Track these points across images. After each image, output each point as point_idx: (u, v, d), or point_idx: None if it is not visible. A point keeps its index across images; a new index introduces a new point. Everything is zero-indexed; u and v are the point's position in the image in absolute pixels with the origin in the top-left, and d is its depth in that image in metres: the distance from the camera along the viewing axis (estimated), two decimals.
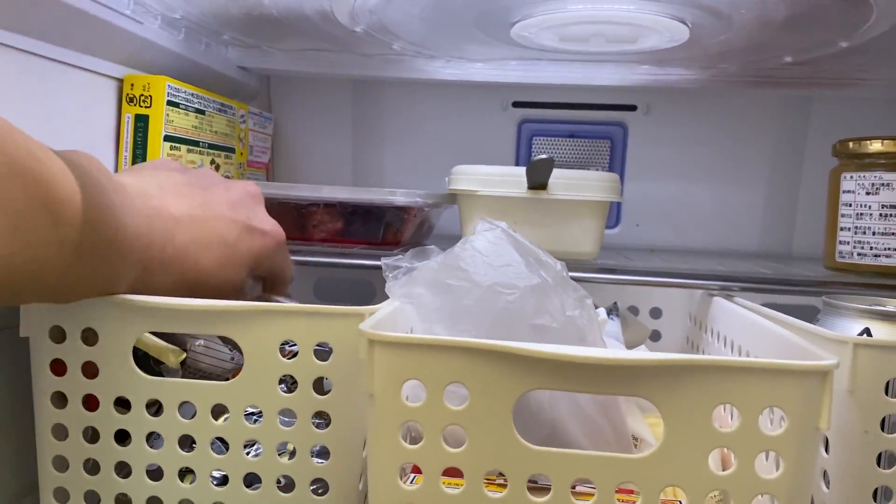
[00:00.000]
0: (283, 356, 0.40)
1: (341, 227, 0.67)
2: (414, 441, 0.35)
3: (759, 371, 0.32)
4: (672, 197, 0.87)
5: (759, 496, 0.33)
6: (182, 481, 0.42)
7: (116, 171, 0.63)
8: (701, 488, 0.33)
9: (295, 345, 0.40)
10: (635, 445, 0.46)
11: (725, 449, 0.34)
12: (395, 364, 0.34)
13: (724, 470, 0.33)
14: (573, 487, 0.35)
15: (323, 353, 0.40)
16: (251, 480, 0.42)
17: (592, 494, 0.34)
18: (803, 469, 0.33)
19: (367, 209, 0.65)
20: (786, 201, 0.86)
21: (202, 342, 0.46)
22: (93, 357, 0.41)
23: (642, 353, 0.32)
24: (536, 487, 0.34)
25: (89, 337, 0.41)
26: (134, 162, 0.61)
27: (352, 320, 0.39)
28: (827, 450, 0.42)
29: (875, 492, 0.41)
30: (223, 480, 0.42)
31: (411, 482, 0.35)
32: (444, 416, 0.34)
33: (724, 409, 0.47)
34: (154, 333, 0.44)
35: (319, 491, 0.41)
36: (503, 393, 0.33)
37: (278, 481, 0.41)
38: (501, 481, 0.34)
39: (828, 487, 0.42)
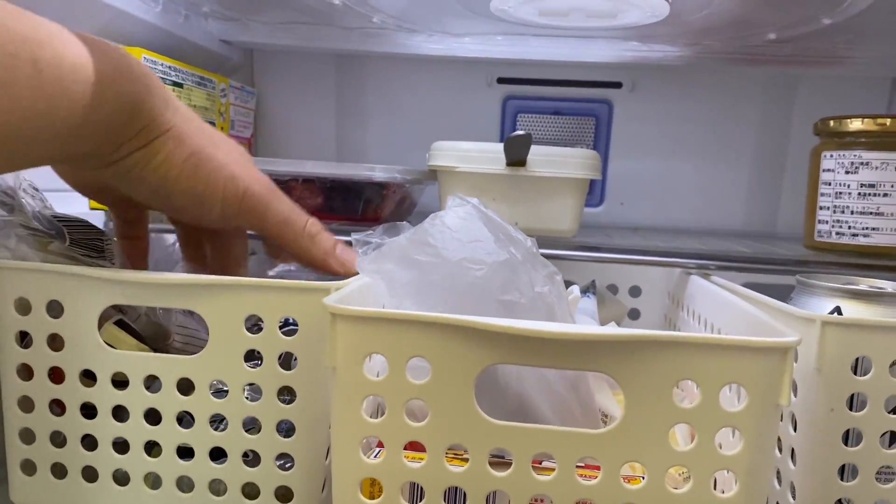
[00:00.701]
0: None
1: (321, 202, 0.67)
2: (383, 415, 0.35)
3: (720, 347, 0.32)
4: (657, 175, 0.87)
5: (722, 472, 0.33)
6: (148, 455, 0.42)
7: None
8: (661, 463, 0.33)
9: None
10: (604, 422, 0.46)
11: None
12: (357, 338, 0.34)
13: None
14: (539, 462, 0.35)
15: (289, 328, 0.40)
16: (217, 454, 0.42)
17: (554, 469, 0.34)
18: (763, 445, 0.33)
19: (347, 185, 0.65)
20: (770, 180, 0.85)
21: (181, 336, 0.46)
22: (58, 329, 0.41)
23: (602, 328, 0.32)
24: (499, 462, 0.34)
25: (55, 309, 0.41)
26: None
27: (317, 295, 0.39)
28: (795, 428, 0.42)
29: (842, 469, 0.41)
30: (189, 454, 0.42)
31: (375, 456, 0.35)
32: (407, 390, 0.34)
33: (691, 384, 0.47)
34: (133, 329, 0.44)
35: (286, 466, 0.41)
36: (464, 367, 0.33)
37: (245, 455, 0.41)
38: (464, 456, 0.34)
39: (795, 465, 0.42)
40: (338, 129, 0.90)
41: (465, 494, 0.34)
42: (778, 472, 0.44)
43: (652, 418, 0.33)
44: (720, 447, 0.33)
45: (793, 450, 0.42)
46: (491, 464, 0.34)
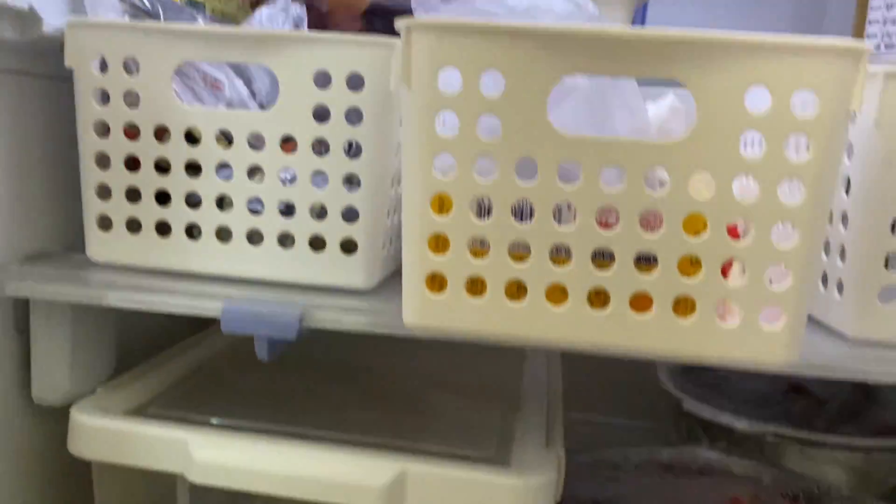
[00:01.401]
0: None
1: (361, 28, 0.67)
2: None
3: (794, 49, 0.32)
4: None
5: (788, 179, 0.34)
6: (220, 209, 0.43)
7: None
8: (730, 172, 0.34)
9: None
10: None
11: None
12: (431, 50, 0.34)
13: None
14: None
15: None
16: (286, 210, 0.43)
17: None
18: (832, 154, 0.34)
19: (387, 8, 0.65)
20: (813, 15, 0.85)
21: None
22: (134, 86, 0.42)
23: (676, 31, 0.33)
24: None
25: (130, 66, 0.42)
26: None
27: (385, 49, 0.40)
28: (847, 191, 0.43)
29: (894, 223, 0.41)
30: (259, 209, 0.43)
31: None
32: (480, 103, 0.34)
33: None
34: None
35: (351, 219, 0.42)
36: (539, 78, 0.34)
37: (312, 210, 0.42)
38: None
39: (846, 228, 0.43)
40: None
41: (531, 209, 0.35)
42: (826, 241, 0.45)
43: (722, 125, 0.33)
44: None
45: (844, 214, 0.43)
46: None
